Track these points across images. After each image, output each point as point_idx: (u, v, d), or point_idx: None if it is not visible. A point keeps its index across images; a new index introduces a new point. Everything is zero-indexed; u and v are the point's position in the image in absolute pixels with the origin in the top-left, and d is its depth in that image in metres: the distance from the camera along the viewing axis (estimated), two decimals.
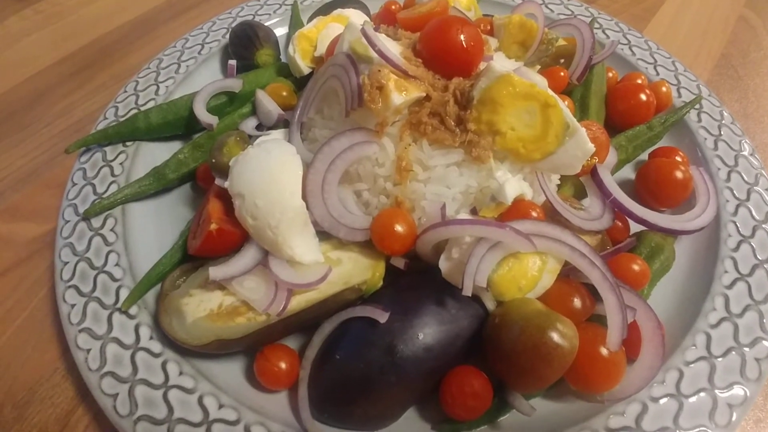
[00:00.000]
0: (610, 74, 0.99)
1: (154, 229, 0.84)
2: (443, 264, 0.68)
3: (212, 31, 1.10)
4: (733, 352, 0.67)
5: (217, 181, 0.76)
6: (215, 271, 0.68)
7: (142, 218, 0.84)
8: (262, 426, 0.63)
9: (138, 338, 0.70)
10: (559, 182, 0.84)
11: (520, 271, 0.67)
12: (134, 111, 0.95)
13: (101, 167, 0.88)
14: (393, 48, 0.74)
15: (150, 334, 0.70)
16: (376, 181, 0.74)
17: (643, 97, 0.91)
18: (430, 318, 0.65)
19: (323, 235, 0.73)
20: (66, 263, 0.77)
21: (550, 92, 0.71)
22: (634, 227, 0.79)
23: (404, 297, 0.69)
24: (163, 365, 0.67)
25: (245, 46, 1.01)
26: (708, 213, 0.80)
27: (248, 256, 0.70)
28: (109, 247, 0.79)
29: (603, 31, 1.09)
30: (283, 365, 0.67)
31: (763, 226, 0.80)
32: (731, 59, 1.14)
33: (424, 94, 0.72)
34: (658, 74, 1.00)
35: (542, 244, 0.66)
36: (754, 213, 0.81)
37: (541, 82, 0.72)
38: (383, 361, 0.63)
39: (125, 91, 0.99)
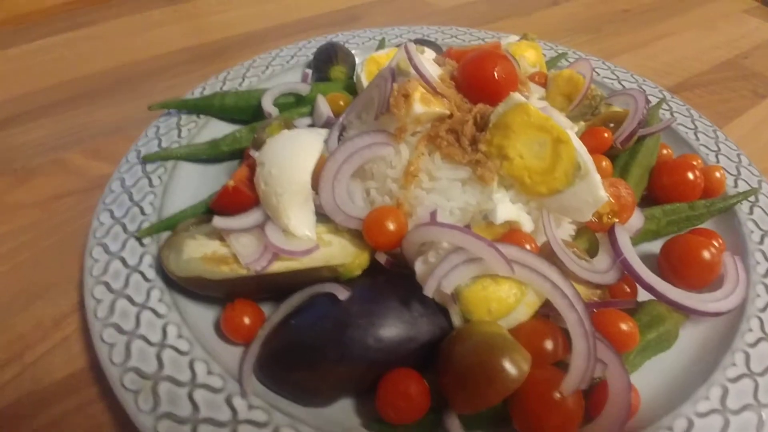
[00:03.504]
0: (665, 151, 0.96)
1: (194, 187, 0.93)
2: (419, 266, 0.68)
3: (306, 47, 1.25)
4: None
5: (251, 152, 0.85)
6: (219, 221, 0.75)
7: (188, 176, 0.95)
8: (205, 364, 0.66)
9: (139, 263, 0.77)
10: (573, 233, 0.82)
11: (494, 294, 0.65)
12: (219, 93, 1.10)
13: (172, 128, 1.02)
14: (432, 69, 0.80)
15: (150, 262, 0.78)
16: (384, 181, 0.78)
17: (690, 175, 0.87)
18: (391, 312, 0.66)
19: (324, 218, 0.77)
20: (112, 192, 0.89)
21: (570, 132, 0.71)
22: (644, 297, 0.74)
23: (374, 288, 0.70)
24: (149, 290, 0.74)
25: (324, 61, 1.14)
26: (731, 300, 0.73)
27: (252, 216, 0.77)
28: (150, 189, 0.89)
29: (671, 113, 1.06)
30: (246, 320, 0.70)
31: None
32: None
33: (448, 113, 0.76)
34: (718, 161, 0.95)
35: (523, 273, 0.65)
36: None
37: (564, 122, 0.73)
38: (331, 336, 0.64)
39: (216, 78, 1.15)
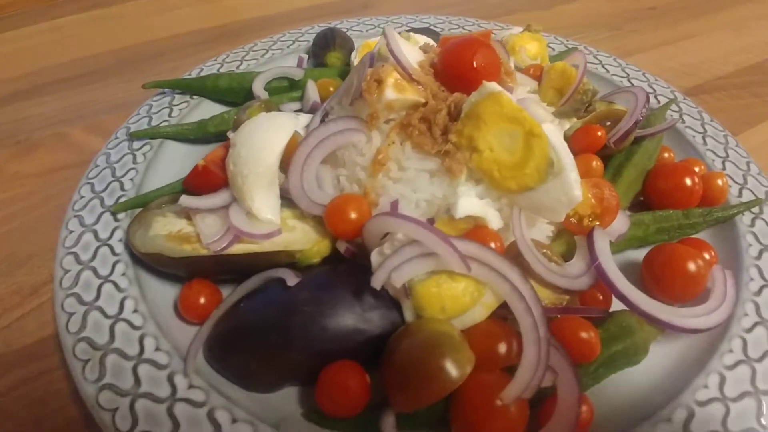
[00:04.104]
0: (666, 155, 0.90)
1: (178, 167, 0.93)
2: (374, 257, 0.66)
3: (308, 33, 1.24)
4: None
5: (229, 133, 0.85)
6: (185, 200, 0.75)
7: (173, 155, 0.95)
8: (154, 339, 0.66)
9: (110, 237, 0.78)
10: (551, 234, 0.78)
11: (448, 291, 0.63)
12: (213, 74, 1.10)
13: (164, 107, 1.03)
14: (411, 54, 0.77)
15: (121, 236, 0.78)
16: (354, 169, 0.76)
17: (688, 181, 0.81)
18: (340, 302, 0.64)
19: (292, 203, 0.76)
20: (97, 166, 0.90)
21: (549, 126, 0.67)
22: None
23: (328, 276, 0.68)
24: (114, 264, 0.75)
25: (321, 46, 1.12)
26: (713, 317, 0.67)
27: (218, 197, 0.76)
28: (133, 165, 0.90)
29: (681, 115, 0.99)
30: (202, 300, 0.70)
31: None
32: None
33: (423, 101, 0.73)
34: (725, 169, 0.89)
35: (480, 271, 0.62)
36: None
37: (541, 115, 0.69)
38: (276, 321, 0.63)
39: (215, 60, 1.15)
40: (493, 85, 0.67)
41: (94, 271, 0.74)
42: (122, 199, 0.84)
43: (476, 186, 0.70)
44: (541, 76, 0.91)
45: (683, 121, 0.98)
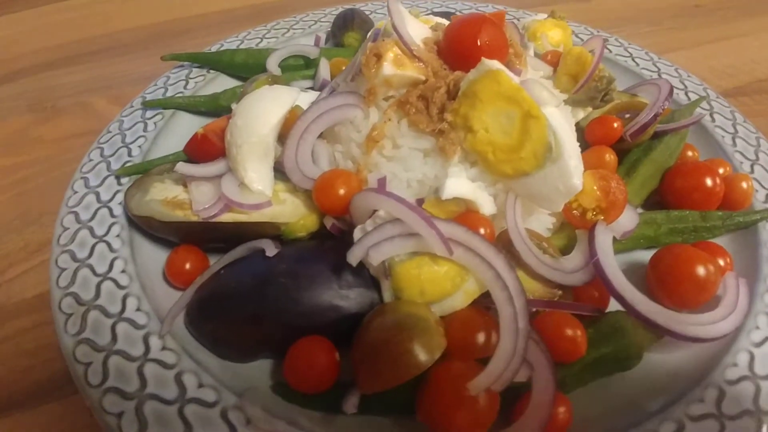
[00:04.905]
0: (690, 153, 0.84)
1: (186, 137, 0.92)
2: (357, 233, 0.64)
3: (331, 14, 1.23)
4: None
5: (233, 105, 0.85)
6: (181, 166, 0.76)
7: (184, 126, 0.95)
8: (136, 300, 0.66)
9: (111, 199, 0.80)
10: (552, 227, 0.74)
11: (429, 274, 0.60)
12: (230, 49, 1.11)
13: (180, 80, 1.04)
14: (418, 31, 0.74)
15: (121, 200, 0.80)
16: (349, 145, 0.74)
17: (708, 181, 0.75)
18: (318, 278, 0.63)
19: (285, 176, 0.75)
20: (109, 132, 0.92)
21: (552, 110, 0.64)
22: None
23: (311, 252, 0.67)
24: (111, 225, 0.76)
25: (340, 26, 1.11)
26: (719, 327, 0.61)
27: (214, 166, 0.77)
28: (144, 134, 0.92)
29: (711, 114, 0.92)
30: (188, 266, 0.70)
31: None
32: None
33: (423, 78, 0.71)
34: (753, 172, 0.82)
35: (464, 256, 0.59)
36: None
37: (544, 97, 0.65)
38: (251, 291, 0.62)
39: (236, 37, 1.16)
40: (492, 62, 0.64)
41: (91, 230, 0.75)
42: (128, 165, 0.86)
43: (470, 168, 0.67)
44: (558, 62, 0.86)
45: (713, 120, 0.91)
